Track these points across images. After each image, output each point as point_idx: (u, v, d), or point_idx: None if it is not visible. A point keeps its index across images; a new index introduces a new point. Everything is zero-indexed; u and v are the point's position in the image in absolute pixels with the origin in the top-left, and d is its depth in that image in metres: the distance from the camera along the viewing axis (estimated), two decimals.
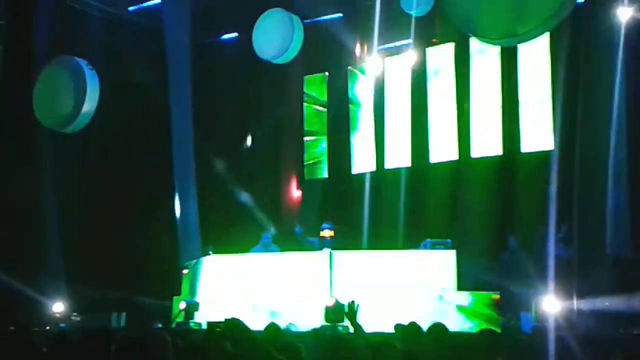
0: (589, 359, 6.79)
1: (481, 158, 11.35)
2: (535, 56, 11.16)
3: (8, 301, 11.14)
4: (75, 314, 11.39)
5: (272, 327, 6.63)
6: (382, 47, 12.89)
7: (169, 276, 11.88)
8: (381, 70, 12.92)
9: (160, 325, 10.36)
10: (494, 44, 10.20)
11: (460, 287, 9.56)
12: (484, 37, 9.31)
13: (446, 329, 5.86)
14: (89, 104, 11.52)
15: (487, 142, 11.41)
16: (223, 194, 13.38)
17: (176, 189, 12.94)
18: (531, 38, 9.53)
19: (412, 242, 10.76)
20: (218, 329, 5.97)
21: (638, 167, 9.75)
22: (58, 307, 11.51)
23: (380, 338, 5.84)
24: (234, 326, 5.74)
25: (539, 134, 11.03)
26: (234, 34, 14.25)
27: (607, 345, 7.27)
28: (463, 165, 11.41)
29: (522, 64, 11.30)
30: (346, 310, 8.19)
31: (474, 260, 10.25)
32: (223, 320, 5.76)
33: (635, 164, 9.75)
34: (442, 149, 11.99)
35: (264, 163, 13.60)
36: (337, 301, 9.89)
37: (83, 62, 11.70)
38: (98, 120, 11.85)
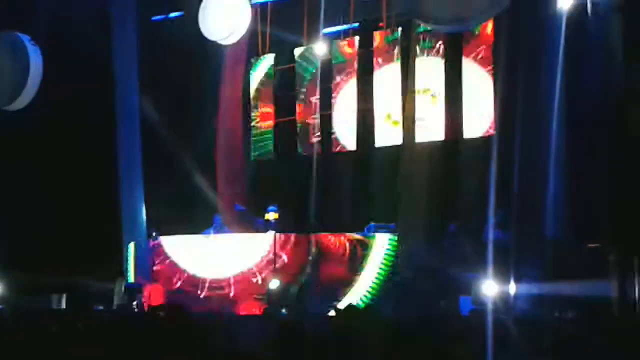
0: (525, 342, 6.96)
1: (425, 143, 11.45)
2: (479, 42, 11.27)
3: None
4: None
5: (214, 314, 6.67)
6: (329, 29, 12.89)
7: (112, 258, 11.77)
8: (328, 53, 12.92)
9: (101, 308, 10.28)
10: (439, 29, 10.31)
11: (402, 270, 9.72)
12: (430, 22, 9.40)
13: (379, 311, 5.95)
14: (32, 81, 11.31)
15: (431, 127, 11.51)
16: (170, 174, 13.26)
17: (121, 168, 12.77)
18: (475, 24, 9.68)
19: (356, 225, 10.84)
20: (159, 313, 5.96)
21: (577, 152, 9.97)
22: None
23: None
24: (175, 311, 5.74)
25: (480, 119, 11.17)
26: (181, 12, 14.06)
27: (543, 328, 7.44)
28: (407, 149, 11.49)
29: (466, 50, 11.41)
30: (296, 292, 8.24)
31: (416, 244, 10.40)
32: (164, 304, 5.75)
33: (574, 150, 9.96)
34: (387, 133, 12.06)
35: (212, 144, 13.48)
36: (280, 284, 9.96)
37: (25, 38, 11.44)
38: (40, 97, 11.63)
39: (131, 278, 11.38)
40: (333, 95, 12.83)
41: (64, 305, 10.64)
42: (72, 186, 12.31)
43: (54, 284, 10.84)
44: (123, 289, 10.90)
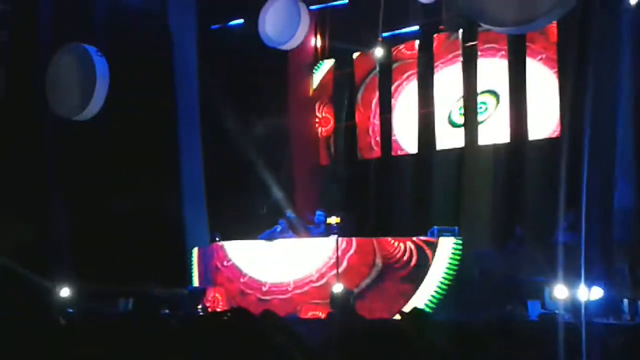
0: (597, 347, 6.81)
1: (488, 145, 11.30)
2: (543, 42, 11.11)
3: (14, 287, 11.18)
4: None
5: (278, 317, 6.65)
6: (388, 33, 12.86)
7: (176, 263, 11.91)
8: (388, 57, 12.88)
9: (167, 311, 10.39)
10: (502, 31, 10.16)
11: (467, 274, 9.59)
12: (493, 24, 9.26)
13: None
14: (99, 92, 11.50)
15: (495, 130, 11.37)
16: (231, 179, 13.36)
17: (183, 174, 12.93)
18: (540, 26, 9.50)
19: (418, 229, 10.74)
20: (224, 318, 5.98)
21: None
22: (65, 292, 11.53)
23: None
24: (240, 315, 5.75)
25: (546, 121, 10.99)
26: (240, 20, 14.19)
27: (615, 333, 7.27)
28: (470, 152, 11.36)
29: (530, 50, 11.24)
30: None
31: (481, 248, 10.25)
32: (229, 309, 5.77)
33: None
34: (449, 136, 11.95)
35: (273, 149, 13.54)
36: (343, 288, 9.90)
37: (92, 49, 11.66)
38: (106, 107, 11.83)
39: (195, 282, 11.48)
40: (393, 98, 12.79)
41: (131, 309, 10.78)
42: (138, 193, 12.47)
43: (122, 290, 10.99)
44: (188, 293, 11.01)
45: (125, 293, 10.96)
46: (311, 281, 10.50)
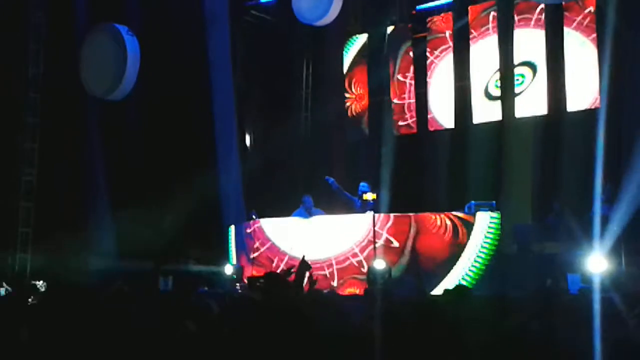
0: (637, 320, 6.69)
1: (526, 118, 11.13)
2: (580, 9, 10.88)
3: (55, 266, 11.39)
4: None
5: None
6: (422, 6, 12.70)
7: (214, 241, 11.97)
8: (422, 30, 12.73)
9: (206, 289, 10.48)
10: (540, 1, 9.96)
11: (505, 249, 9.48)
12: None
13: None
14: (130, 71, 11.54)
15: (533, 102, 11.19)
16: (265, 156, 13.36)
17: (218, 152, 12.94)
18: None
19: (456, 204, 10.64)
20: (258, 283, 5.99)
21: None
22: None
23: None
24: (273, 280, 5.74)
25: (585, 92, 10.78)
26: None
27: None
28: (507, 125, 11.19)
29: (567, 19, 11.02)
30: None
31: (518, 222, 10.12)
32: (263, 275, 5.78)
33: None
34: (486, 109, 11.79)
35: (306, 125, 13.50)
36: (382, 264, 9.85)
37: (123, 29, 11.70)
38: (140, 86, 11.89)
39: (233, 261, 11.55)
40: (428, 72, 12.65)
41: (171, 287, 10.87)
42: (174, 173, 12.52)
43: (162, 268, 11.08)
44: (227, 270, 11.07)
45: (165, 272, 11.04)
46: (350, 257, 10.47)
